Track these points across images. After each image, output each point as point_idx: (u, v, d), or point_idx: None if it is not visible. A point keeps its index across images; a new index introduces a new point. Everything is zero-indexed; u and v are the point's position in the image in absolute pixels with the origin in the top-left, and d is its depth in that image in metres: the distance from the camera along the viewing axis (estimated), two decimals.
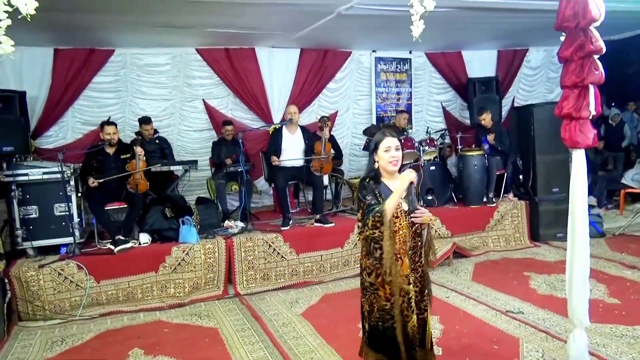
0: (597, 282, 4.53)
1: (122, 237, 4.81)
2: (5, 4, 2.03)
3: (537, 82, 8.50)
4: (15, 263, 4.54)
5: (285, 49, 6.76)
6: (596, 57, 2.40)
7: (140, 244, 4.92)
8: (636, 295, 4.26)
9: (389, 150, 2.45)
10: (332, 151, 5.97)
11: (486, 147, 6.36)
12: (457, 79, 7.89)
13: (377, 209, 2.35)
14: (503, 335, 3.62)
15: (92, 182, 4.84)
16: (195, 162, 5.69)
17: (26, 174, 4.72)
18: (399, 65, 7.64)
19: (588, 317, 2.64)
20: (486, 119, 6.41)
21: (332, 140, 6.36)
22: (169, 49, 6.21)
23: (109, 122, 5.12)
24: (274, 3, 4.46)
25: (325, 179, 6.03)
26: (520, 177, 6.65)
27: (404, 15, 2.82)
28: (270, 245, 5.10)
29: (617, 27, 6.78)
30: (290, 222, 5.47)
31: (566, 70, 2.44)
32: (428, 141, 6.46)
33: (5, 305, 4.20)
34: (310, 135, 5.82)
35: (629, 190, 7.06)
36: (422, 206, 2.55)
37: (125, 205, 5.10)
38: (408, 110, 7.57)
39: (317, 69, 6.96)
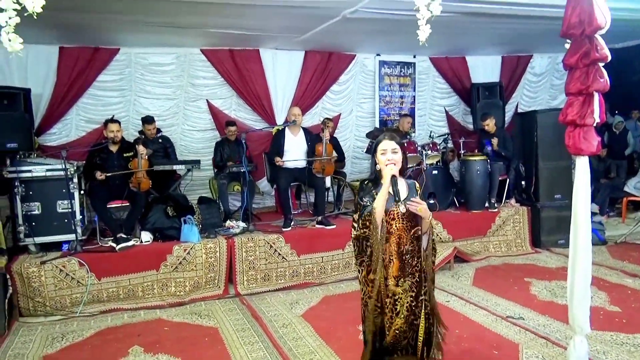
0: (598, 289, 4.52)
1: (123, 235, 4.83)
2: (14, 2, 2.05)
3: (540, 89, 8.52)
4: (17, 259, 4.55)
5: (289, 51, 6.77)
6: (601, 64, 2.41)
7: (141, 242, 4.93)
8: (637, 304, 4.25)
9: (385, 153, 2.45)
10: (335, 154, 5.98)
11: (489, 150, 6.36)
12: (460, 83, 7.91)
13: (368, 207, 2.38)
14: (503, 341, 3.61)
15: (100, 174, 4.86)
16: (198, 161, 5.72)
17: (30, 171, 4.73)
18: (402, 69, 7.66)
19: (589, 324, 2.64)
20: (490, 125, 6.42)
21: (334, 142, 6.37)
22: (173, 49, 6.24)
23: (112, 120, 5.14)
24: (279, 5, 4.48)
25: (328, 181, 6.04)
26: (523, 183, 6.65)
27: (409, 19, 2.84)
28: (271, 246, 5.10)
29: (622, 35, 6.79)
30: (292, 223, 5.48)
31: (571, 78, 2.45)
32: (431, 145, 6.48)
33: (7, 300, 4.21)
34: (313, 137, 5.84)
35: (632, 198, 7.06)
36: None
37: (128, 204, 5.12)
38: (411, 114, 7.59)
39: (321, 71, 6.98)
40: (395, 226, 2.43)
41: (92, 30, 5.25)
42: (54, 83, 5.78)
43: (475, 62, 7.91)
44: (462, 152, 6.68)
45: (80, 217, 4.90)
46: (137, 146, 5.08)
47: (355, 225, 2.45)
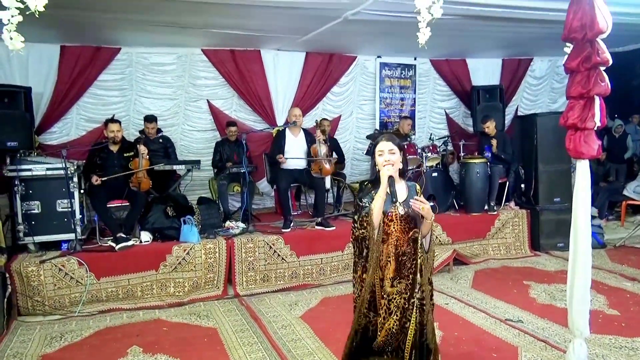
0: (597, 293, 4.53)
1: (123, 235, 4.82)
2: (17, 0, 2.05)
3: (540, 92, 8.53)
4: (17, 258, 4.55)
5: (290, 52, 6.78)
6: (602, 68, 2.41)
7: (141, 242, 4.93)
8: (636, 307, 4.25)
9: (382, 154, 2.45)
10: (335, 155, 5.98)
11: (489, 155, 6.38)
12: (461, 86, 7.91)
13: (366, 208, 2.39)
14: (502, 344, 3.61)
15: (96, 180, 4.86)
16: (198, 162, 5.72)
17: (30, 170, 4.74)
18: (403, 72, 7.67)
19: (588, 328, 2.64)
20: (490, 127, 6.43)
21: (334, 143, 6.38)
22: (174, 49, 6.24)
23: (113, 120, 5.14)
24: (281, 6, 4.48)
25: (328, 183, 6.04)
26: (522, 185, 6.66)
27: (410, 21, 2.84)
28: (270, 247, 5.10)
29: (622, 39, 6.81)
30: (292, 224, 5.48)
31: (572, 81, 2.45)
32: (431, 148, 6.48)
33: (5, 299, 4.20)
34: (313, 139, 5.84)
35: (631, 202, 7.07)
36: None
37: (127, 203, 5.12)
38: (411, 116, 7.59)
39: (322, 72, 6.98)
40: (393, 227, 2.43)
41: (94, 29, 5.25)
42: (55, 82, 5.78)
43: (475, 64, 7.92)
44: (462, 154, 6.68)
45: (80, 216, 4.89)
46: (137, 146, 5.08)
47: (356, 225, 2.46)
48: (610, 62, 2.37)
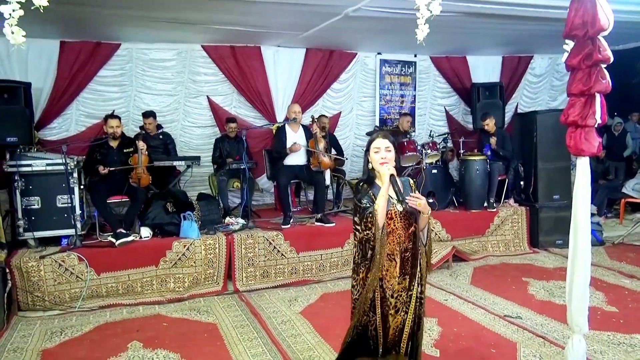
0: (596, 290, 4.55)
1: (123, 231, 4.83)
2: None
3: (540, 90, 8.53)
4: (17, 253, 4.56)
5: (290, 49, 6.77)
6: (603, 66, 2.41)
7: (141, 237, 4.94)
8: (634, 304, 4.28)
9: (379, 151, 2.45)
10: (333, 151, 5.98)
11: (488, 153, 6.38)
12: (461, 83, 7.91)
13: (369, 209, 2.38)
14: (501, 340, 3.63)
15: (102, 168, 4.86)
16: (198, 158, 5.72)
17: (30, 165, 4.74)
18: (403, 68, 7.66)
19: (587, 324, 2.65)
20: (489, 125, 6.44)
21: (332, 140, 6.37)
22: (174, 45, 6.23)
23: (112, 116, 5.14)
24: (282, 2, 4.48)
25: (327, 179, 6.05)
26: (522, 183, 6.67)
27: (410, 18, 2.84)
28: (270, 243, 5.11)
29: (622, 37, 6.81)
30: (291, 220, 5.49)
31: (573, 78, 2.45)
32: (431, 144, 6.48)
33: (6, 294, 4.21)
34: (312, 134, 5.84)
35: (629, 199, 7.08)
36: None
37: (127, 199, 5.12)
38: (411, 113, 7.59)
39: (322, 69, 6.98)
40: (394, 225, 2.43)
41: (94, 25, 5.24)
42: (55, 77, 5.77)
43: (475, 62, 7.92)
44: (462, 151, 6.69)
45: (80, 212, 4.89)
46: (137, 142, 5.08)
47: (359, 227, 2.43)
48: (612, 59, 2.37)
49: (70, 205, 4.77)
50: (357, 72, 7.37)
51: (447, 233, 5.93)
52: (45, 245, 4.74)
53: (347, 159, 6.78)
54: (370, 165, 2.51)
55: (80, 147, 5.44)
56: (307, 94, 6.95)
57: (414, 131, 7.25)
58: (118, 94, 6.20)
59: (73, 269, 4.49)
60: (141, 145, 5.08)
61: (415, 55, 7.66)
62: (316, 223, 5.52)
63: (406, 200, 2.41)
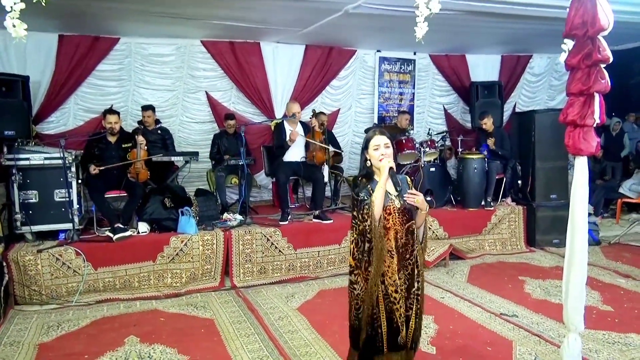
0: (592, 289, 4.57)
1: (121, 225, 4.82)
2: None
3: (539, 89, 8.55)
4: (14, 247, 4.55)
5: (290, 45, 6.76)
6: (603, 66, 2.42)
7: (138, 232, 4.93)
8: (629, 304, 4.30)
9: (378, 148, 2.46)
10: (331, 148, 5.99)
11: (486, 152, 6.40)
12: (460, 82, 7.92)
13: (366, 201, 2.39)
14: (497, 338, 3.65)
15: (94, 169, 4.85)
16: (197, 153, 5.71)
17: (27, 159, 4.72)
18: (402, 66, 7.66)
19: (583, 323, 2.67)
20: (487, 124, 6.45)
21: (330, 136, 6.38)
22: (174, 40, 6.21)
23: (111, 111, 5.11)
24: None
25: (326, 176, 6.06)
26: (519, 182, 6.69)
27: (410, 16, 2.84)
28: (268, 239, 5.12)
29: (620, 38, 6.82)
30: (289, 217, 5.50)
31: (572, 78, 2.46)
32: (429, 143, 6.49)
33: (2, 288, 4.20)
34: (310, 129, 5.84)
35: (626, 199, 7.12)
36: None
37: (125, 194, 5.11)
38: (410, 111, 7.59)
39: (321, 66, 6.97)
40: (392, 221, 2.44)
41: (93, 19, 5.21)
42: (53, 71, 5.75)
43: (475, 60, 7.93)
44: (460, 150, 6.70)
45: (78, 206, 4.89)
46: (136, 136, 5.07)
47: (357, 220, 2.43)
48: (611, 59, 2.38)
49: (68, 199, 4.76)
50: (356, 70, 7.37)
51: (444, 231, 5.95)
52: (42, 239, 4.74)
53: (342, 151, 6.79)
54: (368, 163, 2.51)
55: (78, 141, 5.43)
56: (306, 91, 6.95)
57: (413, 129, 7.24)
58: (116, 89, 6.18)
59: (70, 263, 4.49)
60: (140, 139, 5.07)
61: (415, 53, 7.66)
62: (314, 220, 5.53)
63: (404, 197, 2.42)
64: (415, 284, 2.50)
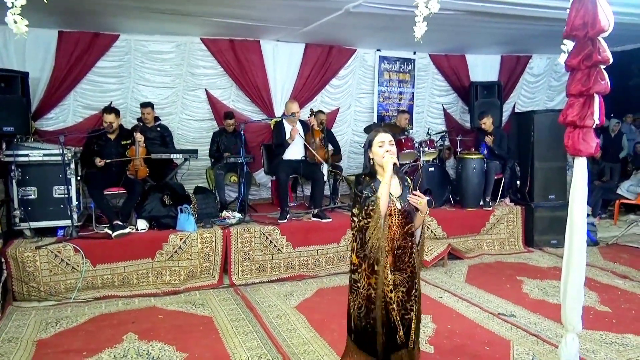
0: (589, 289, 4.58)
1: (119, 223, 4.82)
2: None
3: (538, 90, 8.56)
4: (12, 243, 4.55)
5: (290, 43, 6.76)
6: (602, 67, 2.43)
7: (137, 230, 4.93)
8: (627, 304, 4.31)
9: (383, 145, 2.45)
10: (330, 147, 5.99)
11: (485, 152, 6.41)
12: (459, 82, 7.93)
13: (371, 197, 2.37)
14: (494, 337, 3.66)
15: (99, 161, 4.85)
16: (196, 151, 5.72)
17: (27, 155, 4.72)
18: (402, 66, 7.67)
19: (581, 323, 2.68)
20: (487, 124, 6.46)
21: (329, 135, 6.38)
22: (174, 37, 6.21)
23: (108, 110, 5.08)
24: None
25: (325, 175, 6.06)
26: (518, 182, 6.70)
27: (410, 15, 2.84)
28: (267, 238, 5.12)
29: (619, 39, 6.84)
30: (288, 215, 5.50)
31: (572, 79, 2.47)
32: (428, 142, 6.50)
33: (1, 284, 4.21)
34: (309, 128, 5.84)
35: (624, 200, 7.14)
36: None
37: (124, 191, 5.11)
38: (409, 110, 7.60)
39: (321, 64, 6.97)
40: (392, 221, 2.44)
41: (93, 15, 5.21)
42: (52, 67, 5.75)
43: (474, 60, 7.94)
44: (459, 150, 6.71)
45: (77, 203, 4.89)
46: (135, 133, 5.07)
47: (357, 217, 2.41)
48: (611, 60, 2.39)
49: (67, 196, 4.76)
50: (356, 69, 7.37)
51: (442, 231, 5.96)
52: (41, 236, 4.74)
53: (340, 150, 6.79)
54: (371, 161, 2.51)
55: (77, 138, 5.42)
56: (305, 90, 6.95)
57: (412, 128, 7.27)
58: (116, 86, 6.17)
59: (69, 260, 4.49)
60: (139, 137, 5.06)
61: (415, 53, 7.66)
62: (313, 218, 5.53)
63: (407, 198, 2.42)
64: (415, 287, 2.50)
